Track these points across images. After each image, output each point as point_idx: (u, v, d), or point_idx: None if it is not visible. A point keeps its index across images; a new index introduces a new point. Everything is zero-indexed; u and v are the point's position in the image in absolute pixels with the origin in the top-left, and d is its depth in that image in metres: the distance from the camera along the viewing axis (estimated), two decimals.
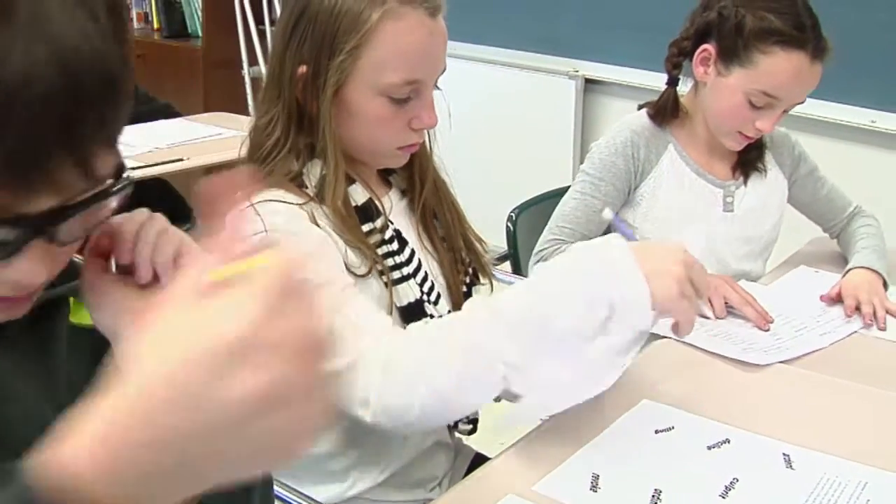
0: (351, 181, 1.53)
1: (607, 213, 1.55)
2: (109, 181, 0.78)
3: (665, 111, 2.13)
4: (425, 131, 1.57)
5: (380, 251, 1.52)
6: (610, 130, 2.15)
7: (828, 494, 1.32)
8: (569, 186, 2.19)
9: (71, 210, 0.75)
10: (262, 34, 4.92)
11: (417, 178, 1.64)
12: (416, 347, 1.32)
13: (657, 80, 3.55)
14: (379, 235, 1.53)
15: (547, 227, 2.11)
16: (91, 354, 0.96)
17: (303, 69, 1.46)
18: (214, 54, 4.99)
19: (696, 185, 2.14)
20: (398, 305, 1.52)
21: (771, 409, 1.57)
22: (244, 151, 1.56)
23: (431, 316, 1.55)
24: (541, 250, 2.08)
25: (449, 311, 1.60)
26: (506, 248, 2.36)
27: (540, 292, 1.27)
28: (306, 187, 1.50)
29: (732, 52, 1.97)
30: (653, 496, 1.30)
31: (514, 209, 2.40)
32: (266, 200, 1.43)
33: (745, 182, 2.18)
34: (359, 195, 1.53)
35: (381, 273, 1.51)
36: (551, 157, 3.96)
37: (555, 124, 3.95)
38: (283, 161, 1.50)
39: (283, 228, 1.40)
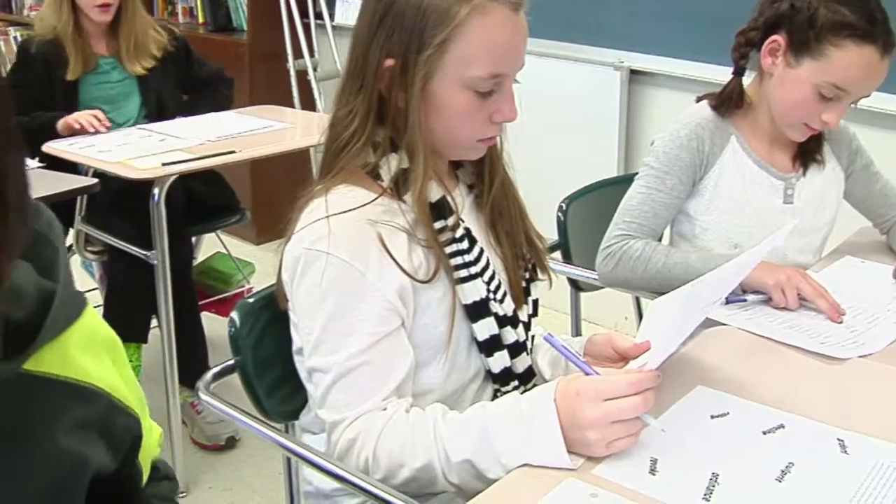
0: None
1: (539, 331, 1.58)
2: None
3: (729, 101, 2.14)
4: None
5: (449, 249, 1.56)
6: (673, 123, 2.15)
7: (882, 479, 1.34)
8: (617, 177, 2.22)
9: None
10: (306, 27, 4.96)
11: (487, 174, 1.67)
12: (398, 437, 1.46)
13: (703, 71, 3.59)
14: (450, 234, 1.56)
15: (613, 223, 2.12)
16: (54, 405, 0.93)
17: (389, 63, 1.49)
18: (259, 48, 5.02)
19: (757, 176, 2.14)
20: (463, 303, 1.56)
21: (824, 395, 1.58)
22: (322, 140, 1.60)
23: (496, 314, 1.60)
24: (608, 246, 2.09)
25: (514, 310, 1.64)
26: (556, 237, 2.38)
27: (481, 451, 1.39)
28: (381, 180, 1.54)
29: (803, 44, 1.97)
30: (710, 479, 1.33)
31: (565, 199, 2.42)
32: (341, 212, 1.49)
33: (804, 173, 2.19)
34: (433, 192, 1.57)
35: (448, 271, 1.55)
36: (596, 149, 3.96)
37: (600, 115, 3.95)
38: (359, 153, 1.54)
39: (344, 256, 1.47)
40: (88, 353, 0.99)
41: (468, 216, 1.64)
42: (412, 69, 1.48)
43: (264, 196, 4.88)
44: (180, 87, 3.70)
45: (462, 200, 1.64)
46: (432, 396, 1.58)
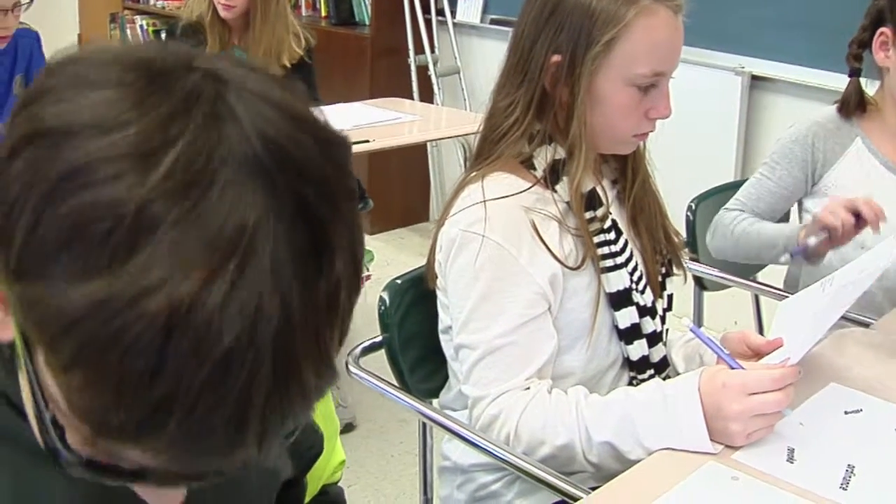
0: None
1: (686, 321, 1.57)
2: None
3: (849, 102, 2.18)
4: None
5: (597, 239, 1.63)
6: (798, 122, 2.22)
7: None
8: (744, 179, 2.27)
9: (194, 478, 0.71)
10: (428, 24, 5.04)
11: (630, 170, 1.74)
12: (540, 414, 1.52)
13: (824, 79, 3.59)
14: (599, 224, 1.64)
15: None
16: None
17: (556, 58, 1.57)
18: (381, 42, 5.12)
19: (883, 178, 2.16)
20: (607, 292, 1.63)
21: None
22: (480, 131, 1.68)
23: (637, 304, 1.66)
24: (718, 217, 2.23)
25: (653, 301, 1.71)
26: (684, 236, 2.42)
27: (623, 433, 1.46)
28: (535, 170, 1.62)
29: None
30: (847, 470, 1.37)
31: (694, 199, 2.47)
32: (497, 198, 1.56)
33: None
34: (586, 183, 1.64)
35: (595, 260, 1.62)
36: (714, 153, 3.98)
37: (719, 120, 3.96)
38: (517, 142, 1.61)
39: (498, 239, 1.55)
40: None
41: (612, 209, 1.70)
42: (580, 65, 1.56)
43: (380, 187, 4.98)
44: None
45: (608, 193, 1.71)
46: (572, 380, 1.64)
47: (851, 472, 1.37)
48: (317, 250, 0.63)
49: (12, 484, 0.78)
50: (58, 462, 0.68)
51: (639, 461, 1.43)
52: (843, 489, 1.33)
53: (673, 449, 1.42)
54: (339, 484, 1.26)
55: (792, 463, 1.39)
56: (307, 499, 1.17)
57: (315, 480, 1.18)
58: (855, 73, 2.18)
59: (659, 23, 1.55)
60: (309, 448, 1.12)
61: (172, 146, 0.59)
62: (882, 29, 2.07)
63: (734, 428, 1.40)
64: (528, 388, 1.55)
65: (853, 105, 2.18)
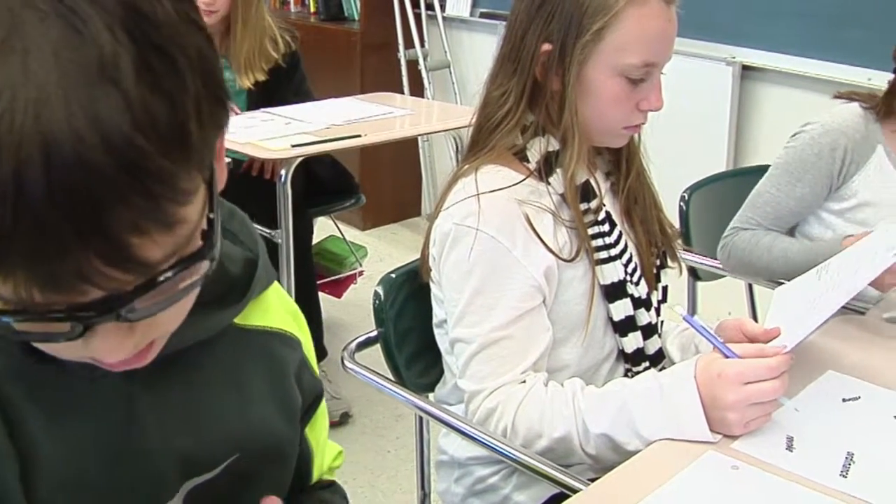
0: None
1: (679, 310, 1.55)
2: (173, 260, 0.70)
3: (891, 101, 2.05)
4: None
5: (591, 231, 1.62)
6: (818, 123, 2.08)
7: None
8: (738, 169, 2.26)
9: (119, 300, 0.69)
10: (417, 18, 5.04)
11: (625, 162, 1.73)
12: (537, 408, 1.52)
13: (815, 68, 3.59)
14: (593, 216, 1.63)
15: (738, 214, 2.12)
16: (263, 351, 1.03)
17: (547, 47, 1.56)
18: (371, 37, 5.11)
19: None
20: (602, 283, 1.63)
21: None
22: (473, 122, 1.67)
23: (632, 296, 1.66)
24: (724, 236, 2.12)
25: (647, 293, 1.70)
26: (677, 226, 2.42)
27: (620, 425, 1.45)
28: (528, 162, 1.61)
29: None
30: (846, 458, 1.37)
31: (687, 189, 2.47)
32: (490, 191, 1.56)
33: None
34: (579, 175, 1.63)
35: (589, 252, 1.61)
36: (706, 143, 3.97)
37: (711, 110, 3.96)
38: (510, 133, 1.61)
39: (492, 232, 1.54)
40: (283, 310, 1.08)
41: (606, 201, 1.69)
42: (570, 54, 1.55)
43: (372, 183, 4.97)
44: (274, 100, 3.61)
45: (601, 186, 1.70)
46: (567, 373, 1.64)
47: (851, 460, 1.37)
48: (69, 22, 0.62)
49: None
50: None
51: (637, 452, 1.42)
52: (843, 476, 1.33)
53: (671, 439, 1.41)
54: (335, 480, 1.26)
55: (791, 451, 1.39)
56: (315, 473, 1.18)
57: (320, 455, 1.18)
58: None
59: (650, 13, 1.54)
60: (311, 388, 1.12)
61: None
62: None
63: (732, 417, 1.39)
64: (525, 382, 1.54)
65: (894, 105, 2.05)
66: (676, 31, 1.59)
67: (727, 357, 1.43)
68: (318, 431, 1.17)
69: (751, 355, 1.43)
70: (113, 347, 0.74)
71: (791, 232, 2.20)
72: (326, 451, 1.21)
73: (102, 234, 0.63)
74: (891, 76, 2.03)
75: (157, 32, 0.65)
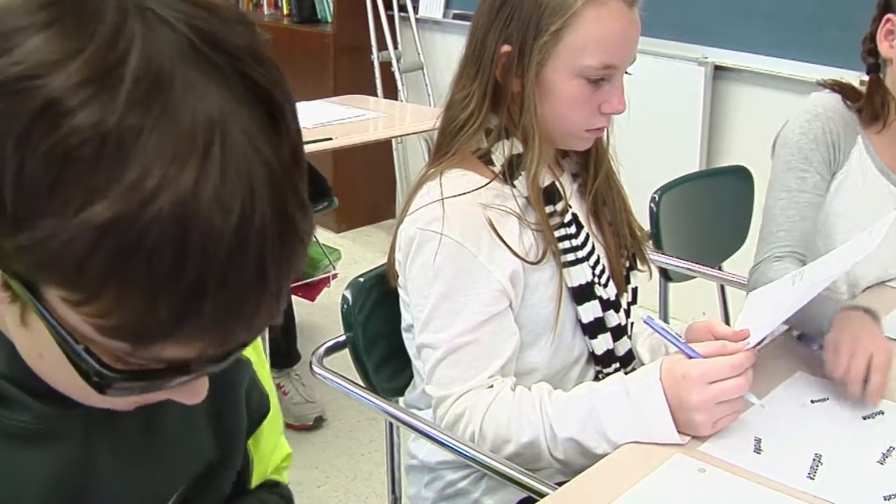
0: None
1: (640, 313, 1.55)
2: None
3: (873, 103, 1.93)
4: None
5: (558, 233, 1.61)
6: (800, 114, 1.95)
7: None
8: (709, 170, 2.24)
9: (243, 345, 0.75)
10: (390, 19, 5.02)
11: (593, 164, 1.72)
12: (505, 413, 1.51)
13: (787, 68, 3.61)
14: (559, 219, 1.62)
15: (759, 238, 1.94)
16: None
17: (506, 48, 1.55)
18: (344, 39, 5.09)
19: (877, 182, 1.96)
20: (569, 286, 1.62)
21: None
22: (438, 125, 1.66)
23: (600, 298, 1.65)
24: (755, 266, 1.91)
25: (616, 295, 1.69)
26: (647, 227, 2.42)
27: (588, 429, 1.45)
28: (493, 165, 1.60)
29: None
30: (814, 459, 1.37)
31: (657, 191, 2.46)
32: (454, 195, 1.55)
33: None
34: (544, 178, 1.62)
35: (556, 255, 1.60)
36: (679, 144, 3.97)
37: (683, 111, 3.96)
38: (473, 136, 1.60)
39: (456, 237, 1.53)
40: None
41: (573, 203, 1.69)
42: (528, 55, 1.54)
43: (346, 185, 4.93)
44: None
45: (567, 188, 1.69)
46: (536, 376, 1.63)
47: (819, 462, 1.37)
48: (271, 114, 0.69)
49: None
50: (103, 389, 0.72)
51: (605, 455, 1.42)
52: (811, 479, 1.33)
53: (639, 442, 1.41)
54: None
55: (759, 453, 1.39)
56: (254, 481, 1.17)
57: (262, 463, 1.18)
58: (873, 70, 1.93)
59: (609, 14, 1.53)
60: (259, 407, 1.13)
61: (125, 60, 0.63)
62: (889, 15, 1.84)
63: (699, 418, 1.39)
64: (492, 387, 1.54)
65: (878, 106, 1.93)
66: (639, 34, 1.58)
67: (690, 357, 1.43)
68: (263, 444, 1.17)
69: (713, 354, 1.43)
70: (203, 388, 0.80)
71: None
72: (274, 455, 1.21)
73: (275, 291, 0.70)
74: (863, 76, 1.99)
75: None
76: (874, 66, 1.92)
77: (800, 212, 1.87)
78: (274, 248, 0.68)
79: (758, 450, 1.40)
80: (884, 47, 1.87)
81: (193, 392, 0.79)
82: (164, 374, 0.72)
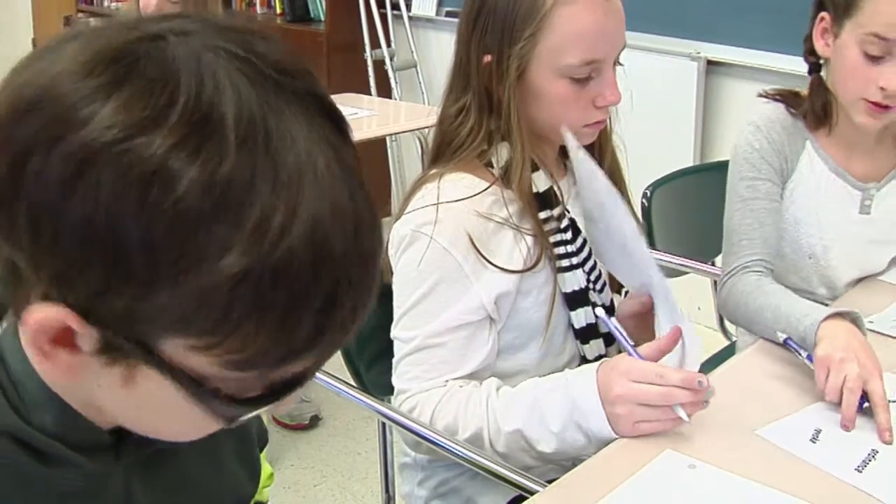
0: (534, 167, 1.61)
1: (598, 311, 1.56)
2: None
3: (815, 105, 1.89)
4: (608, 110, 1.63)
5: (553, 239, 1.61)
6: (748, 126, 1.96)
7: None
8: (701, 164, 2.23)
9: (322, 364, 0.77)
10: (383, 18, 5.02)
11: (596, 159, 1.68)
12: (454, 406, 1.53)
13: (780, 62, 3.60)
14: (555, 224, 1.62)
15: (723, 251, 1.93)
16: None
17: (487, 58, 1.56)
18: (337, 38, 5.09)
19: (833, 184, 1.93)
20: (563, 291, 1.62)
21: None
22: (431, 136, 1.67)
23: (594, 304, 1.65)
24: (723, 281, 1.89)
25: (612, 300, 1.70)
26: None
27: (532, 419, 1.47)
28: (493, 167, 1.60)
29: (840, 7, 1.76)
30: (868, 454, 1.39)
31: (649, 186, 2.46)
32: (450, 201, 1.55)
33: (885, 182, 1.96)
34: (541, 182, 1.62)
35: (551, 259, 1.61)
36: (672, 139, 3.97)
37: (676, 106, 3.96)
38: (477, 147, 1.60)
39: (445, 243, 1.54)
40: None
41: (573, 207, 1.69)
42: (506, 62, 1.54)
43: None
44: None
45: (569, 189, 1.69)
46: (524, 377, 1.62)
47: (872, 457, 1.39)
48: (338, 122, 0.72)
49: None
50: (233, 421, 0.74)
51: (550, 452, 1.45)
52: (859, 472, 1.35)
53: (628, 438, 1.41)
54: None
55: (815, 443, 1.42)
56: None
57: (260, 492, 1.18)
58: (815, 70, 1.89)
59: (581, 9, 1.52)
60: (262, 433, 1.16)
61: (218, 104, 0.64)
62: (822, 14, 1.81)
63: (619, 411, 1.40)
64: (445, 385, 1.56)
65: (819, 107, 1.89)
66: (622, 21, 1.57)
67: (630, 355, 1.45)
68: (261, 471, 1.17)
69: (650, 358, 1.44)
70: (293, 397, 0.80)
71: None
72: (263, 477, 1.20)
73: (367, 307, 0.73)
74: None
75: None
76: (816, 65, 1.90)
77: (757, 219, 1.88)
78: (372, 243, 0.72)
79: (814, 439, 1.42)
80: (820, 46, 1.84)
81: (287, 402, 0.80)
82: (284, 389, 0.75)
